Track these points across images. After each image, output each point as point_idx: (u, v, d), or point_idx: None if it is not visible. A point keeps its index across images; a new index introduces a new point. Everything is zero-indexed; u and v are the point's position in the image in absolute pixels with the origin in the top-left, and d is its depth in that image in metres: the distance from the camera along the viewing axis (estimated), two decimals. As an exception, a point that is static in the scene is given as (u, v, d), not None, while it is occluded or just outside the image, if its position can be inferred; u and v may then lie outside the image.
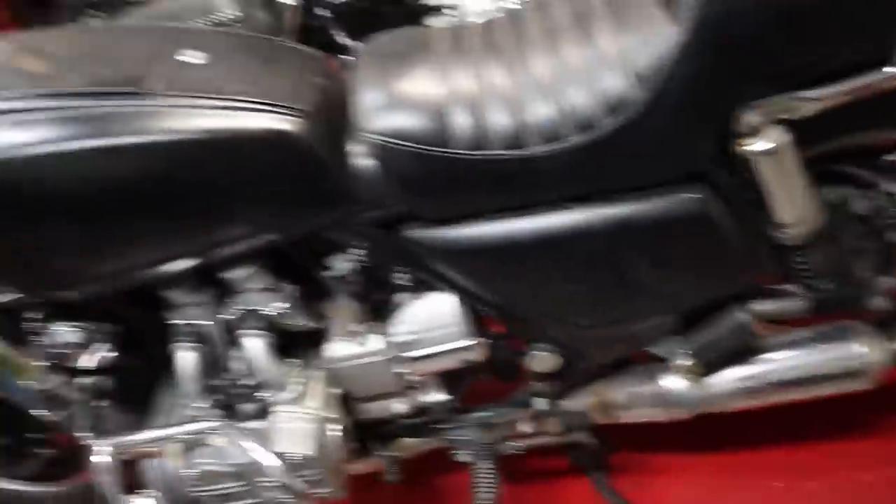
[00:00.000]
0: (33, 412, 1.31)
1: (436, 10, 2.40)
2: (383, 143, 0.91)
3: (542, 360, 1.14)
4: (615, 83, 0.85)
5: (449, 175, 0.91)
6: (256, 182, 0.94)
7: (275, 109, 0.91)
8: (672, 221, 0.91)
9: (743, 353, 1.11)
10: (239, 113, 0.91)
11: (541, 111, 0.89)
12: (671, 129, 0.86)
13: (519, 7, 2.08)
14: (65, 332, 1.09)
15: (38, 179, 0.91)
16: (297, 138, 0.91)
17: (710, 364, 1.11)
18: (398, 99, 0.94)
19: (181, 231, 0.98)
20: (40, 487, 1.71)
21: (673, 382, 1.15)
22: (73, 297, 1.06)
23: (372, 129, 0.92)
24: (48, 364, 1.17)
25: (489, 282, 1.02)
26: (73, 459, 1.62)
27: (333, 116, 0.98)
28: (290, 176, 0.94)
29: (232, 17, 2.21)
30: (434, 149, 0.90)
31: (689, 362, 1.10)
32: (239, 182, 0.93)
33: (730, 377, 1.14)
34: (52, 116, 0.89)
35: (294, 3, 2.42)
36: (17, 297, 1.08)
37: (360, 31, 2.45)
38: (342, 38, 2.50)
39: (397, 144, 0.90)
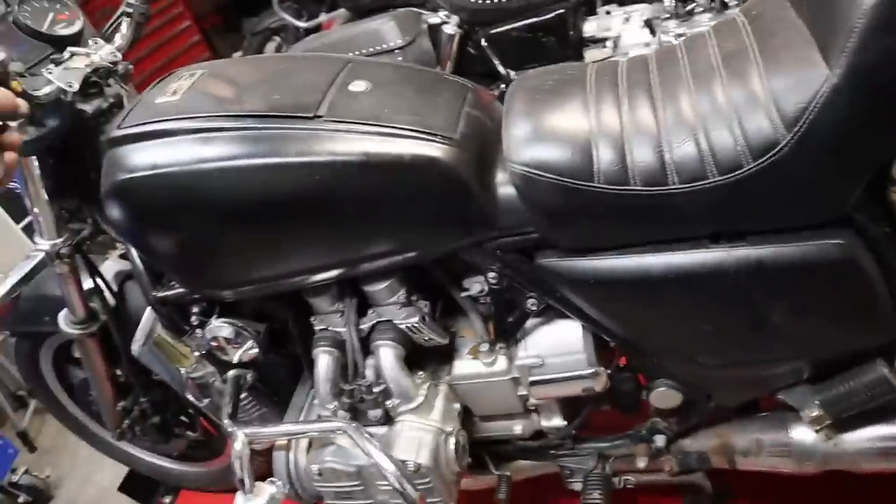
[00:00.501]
0: (185, 397, 1.44)
1: (594, 41, 2.45)
2: (527, 173, 0.95)
3: (664, 396, 1.15)
4: (762, 124, 0.85)
5: (588, 208, 0.94)
6: (406, 203, 1.01)
7: (427, 137, 0.98)
8: (814, 266, 0.90)
9: (881, 409, 1.06)
10: (394, 139, 0.98)
11: (685, 149, 0.90)
12: (817, 174, 0.85)
13: (674, 42, 2.10)
14: (220, 327, 1.21)
15: (215, 190, 1.01)
16: (446, 164, 0.98)
17: (843, 418, 1.07)
18: (544, 131, 0.98)
19: (332, 244, 1.06)
20: (183, 466, 1.87)
21: (802, 433, 1.13)
22: (229, 296, 1.17)
23: (517, 160, 0.96)
24: (202, 354, 1.29)
25: (618, 314, 1.04)
26: (213, 443, 1.77)
27: (483, 145, 1.03)
28: (437, 199, 1.01)
29: (397, 45, 2.36)
30: (576, 182, 0.93)
31: (820, 414, 1.07)
32: (390, 202, 1.01)
33: (864, 435, 1.10)
34: (234, 136, 1.00)
35: (454, 33, 2.54)
36: (182, 292, 1.21)
37: (517, 60, 2.54)
38: (500, 67, 2.59)
39: (540, 175, 0.94)
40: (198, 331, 1.25)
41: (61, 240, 1.26)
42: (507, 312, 1.13)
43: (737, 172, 0.87)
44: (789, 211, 0.90)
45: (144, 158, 1.03)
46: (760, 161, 0.85)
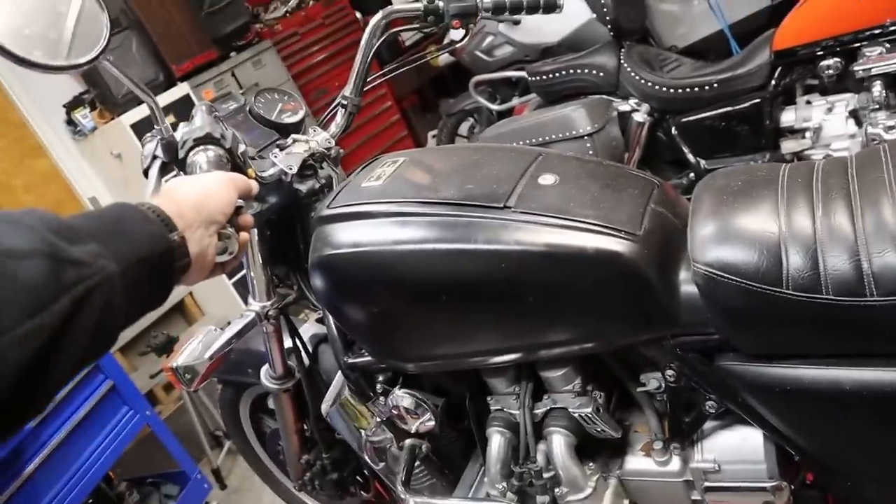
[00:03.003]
0: (363, 458, 1.52)
1: (792, 132, 2.36)
2: (711, 274, 0.94)
3: (859, 523, 1.06)
4: None
5: (776, 314, 0.91)
6: (587, 295, 1.03)
7: (611, 232, 1.00)
8: None
9: None
10: (579, 232, 1.01)
11: (886, 260, 0.85)
12: None
13: (884, 135, 1.98)
14: (402, 397, 1.28)
15: (408, 270, 1.09)
16: (628, 260, 0.99)
17: None
18: (731, 232, 0.97)
19: (513, 330, 1.10)
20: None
21: None
22: (412, 369, 1.24)
23: (701, 260, 0.96)
24: (383, 420, 1.37)
25: (805, 427, 0.99)
26: (383, 506, 1.83)
27: (667, 242, 1.04)
28: (618, 293, 1.02)
29: (586, 132, 2.41)
30: (762, 286, 0.91)
31: None
32: (571, 293, 1.03)
33: None
34: (428, 221, 1.08)
35: (643, 120, 2.56)
36: (370, 360, 1.29)
37: (709, 148, 2.51)
38: (690, 156, 2.56)
39: (724, 277, 0.93)
40: (381, 398, 1.33)
41: (270, 302, 1.39)
42: (684, 412, 1.10)
43: None
44: None
45: (348, 237, 1.14)
46: None
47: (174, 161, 1.02)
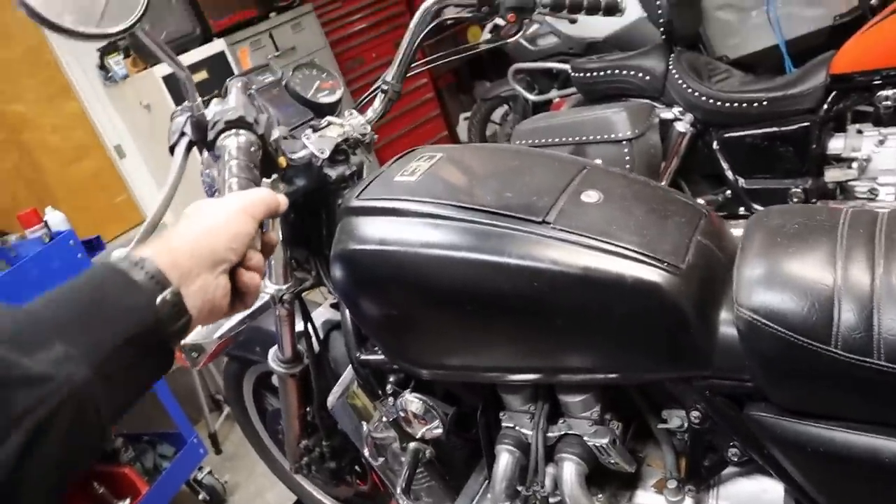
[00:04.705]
0: (362, 451, 1.49)
1: (838, 160, 2.28)
2: (753, 320, 0.89)
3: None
4: None
5: (817, 371, 0.86)
6: (619, 324, 0.97)
7: (652, 262, 0.95)
8: None
9: None
10: (618, 258, 0.95)
11: None
12: None
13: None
14: (411, 401, 1.24)
15: (433, 275, 1.04)
16: (667, 293, 0.93)
17: None
18: (781, 278, 0.91)
19: (536, 350, 1.05)
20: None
21: None
22: (425, 375, 1.19)
23: (745, 304, 0.90)
24: (390, 420, 1.33)
25: (831, 491, 0.93)
26: (378, 498, 1.81)
27: (710, 279, 0.98)
28: (651, 327, 0.96)
29: (625, 136, 2.34)
30: (808, 341, 0.85)
31: None
32: (602, 320, 0.98)
33: None
34: (460, 227, 1.02)
35: (685, 131, 2.48)
36: (383, 359, 1.25)
37: (749, 167, 2.43)
38: (728, 172, 2.48)
39: (767, 325, 0.87)
40: (391, 399, 1.29)
41: (286, 286, 1.35)
42: (705, 455, 1.05)
43: None
44: None
45: (374, 232, 1.09)
46: None
47: (203, 141, 0.97)
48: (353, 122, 1.28)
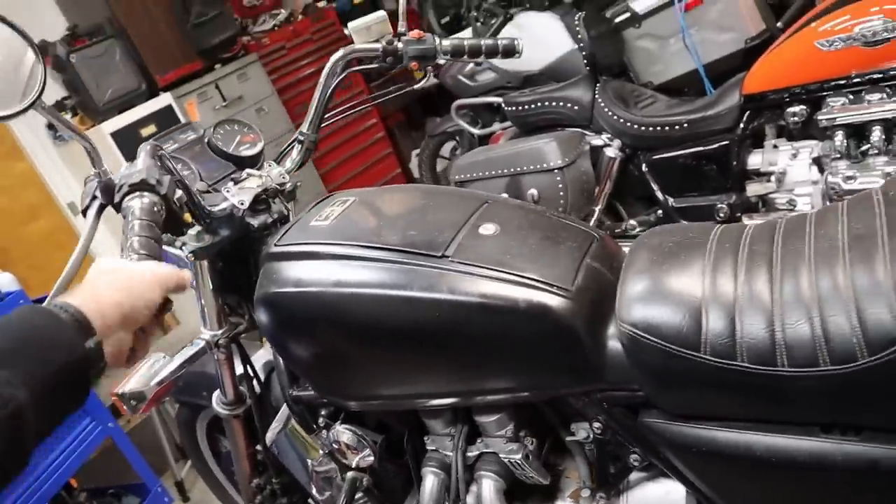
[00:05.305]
0: (308, 487, 1.53)
1: (758, 174, 2.39)
2: (634, 334, 0.97)
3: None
4: (882, 317, 0.81)
5: (692, 376, 0.93)
6: (518, 347, 1.05)
7: (543, 287, 1.03)
8: None
9: None
10: (512, 286, 1.03)
11: (798, 331, 0.87)
12: None
13: (842, 184, 2.01)
14: (342, 432, 1.30)
15: (348, 312, 1.11)
16: (558, 315, 1.01)
17: None
18: (656, 294, 0.98)
19: (448, 376, 1.12)
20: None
21: None
22: (353, 407, 1.26)
23: (626, 319, 0.98)
24: (326, 452, 1.39)
25: (720, 488, 1.01)
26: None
27: (599, 298, 1.05)
28: (548, 347, 1.04)
29: (556, 165, 2.44)
30: (682, 350, 0.93)
31: None
32: (503, 344, 1.05)
33: None
34: (369, 265, 1.10)
35: (615, 156, 2.60)
36: (313, 395, 1.31)
37: (677, 187, 2.54)
38: (658, 193, 2.59)
39: (646, 338, 0.95)
40: (324, 432, 1.34)
41: (221, 331, 1.40)
42: (610, 463, 1.13)
43: (851, 365, 0.83)
44: (906, 413, 0.84)
45: (292, 275, 1.16)
46: (877, 357, 0.81)
47: (111, 203, 1.04)
48: (272, 173, 1.35)
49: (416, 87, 1.50)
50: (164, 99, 3.62)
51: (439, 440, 1.24)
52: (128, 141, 3.33)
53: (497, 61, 3.41)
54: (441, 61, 1.41)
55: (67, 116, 3.55)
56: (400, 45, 1.39)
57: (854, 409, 0.87)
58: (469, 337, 1.06)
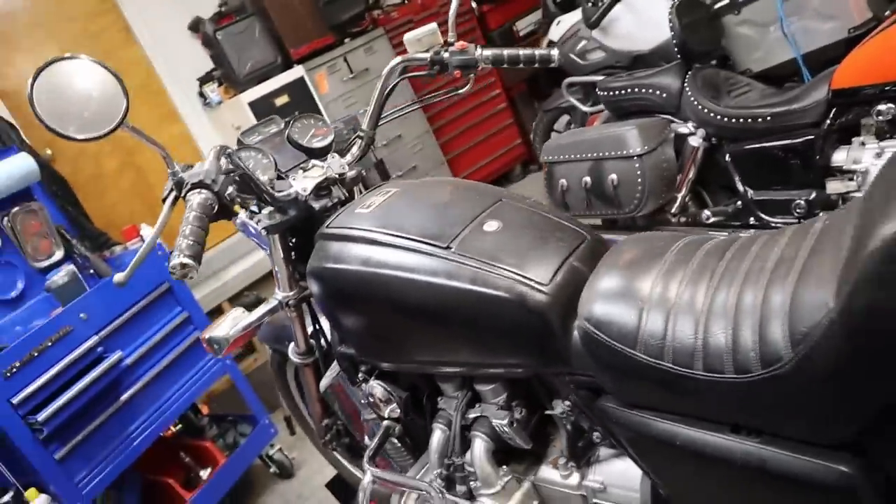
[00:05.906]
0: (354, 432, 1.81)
1: (841, 172, 2.36)
2: (586, 328, 1.12)
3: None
4: (775, 336, 0.90)
5: (629, 370, 1.08)
6: (501, 331, 1.23)
7: (524, 281, 1.21)
8: (811, 484, 0.92)
9: None
10: (498, 278, 1.22)
11: (715, 340, 0.98)
12: (813, 398, 0.88)
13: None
14: (374, 386, 1.54)
15: (371, 289, 1.34)
16: (534, 307, 1.19)
17: None
18: (610, 294, 1.12)
19: (449, 350, 1.33)
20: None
21: None
22: (385, 367, 1.50)
23: (583, 315, 1.14)
24: (367, 402, 1.64)
25: (656, 470, 1.16)
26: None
27: (574, 295, 1.21)
28: (525, 333, 1.22)
29: (636, 153, 2.52)
30: (622, 346, 1.08)
31: None
32: (489, 328, 1.24)
33: None
34: (391, 251, 1.31)
35: (697, 145, 2.63)
36: (354, 353, 1.56)
37: (759, 179, 2.54)
38: (739, 184, 2.60)
39: (595, 333, 1.11)
40: (363, 385, 1.60)
41: (292, 293, 1.69)
42: (578, 437, 1.30)
43: (748, 375, 0.94)
44: (794, 424, 0.94)
45: (335, 253, 1.40)
46: (765, 371, 0.92)
47: (180, 196, 1.32)
48: (334, 164, 1.60)
49: (460, 91, 1.68)
50: (297, 71, 3.98)
51: (448, 401, 1.46)
52: (263, 109, 3.72)
53: (608, 41, 3.47)
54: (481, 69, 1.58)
55: (214, 86, 3.99)
56: (446, 55, 1.57)
57: (752, 415, 0.99)
58: (462, 319, 1.26)
